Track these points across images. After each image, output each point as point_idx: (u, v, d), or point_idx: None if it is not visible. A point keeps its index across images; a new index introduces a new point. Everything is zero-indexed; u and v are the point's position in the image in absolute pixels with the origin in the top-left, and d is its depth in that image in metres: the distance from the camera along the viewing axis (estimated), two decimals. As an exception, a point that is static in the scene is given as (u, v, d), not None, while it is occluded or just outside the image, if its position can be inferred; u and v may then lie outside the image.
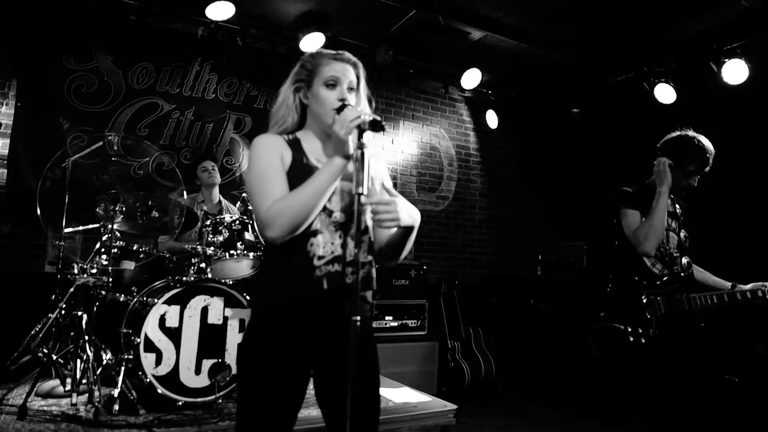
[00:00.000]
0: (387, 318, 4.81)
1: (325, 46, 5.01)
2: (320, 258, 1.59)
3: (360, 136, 1.50)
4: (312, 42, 4.98)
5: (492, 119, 6.41)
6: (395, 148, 6.22)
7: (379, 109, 6.40)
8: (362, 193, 1.44)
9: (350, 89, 1.72)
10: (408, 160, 6.32)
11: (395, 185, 6.21)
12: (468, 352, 5.13)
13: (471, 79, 5.80)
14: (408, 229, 1.65)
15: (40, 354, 3.39)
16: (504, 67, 5.89)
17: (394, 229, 1.68)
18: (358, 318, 1.39)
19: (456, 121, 6.70)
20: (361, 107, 1.74)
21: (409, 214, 1.59)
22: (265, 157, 1.65)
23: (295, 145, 1.71)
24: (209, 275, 3.60)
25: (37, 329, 3.62)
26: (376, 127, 1.51)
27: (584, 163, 6.57)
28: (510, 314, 5.96)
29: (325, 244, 1.60)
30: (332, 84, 1.70)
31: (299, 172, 1.64)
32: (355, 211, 1.45)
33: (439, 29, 5.00)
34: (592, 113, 6.50)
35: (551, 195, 6.88)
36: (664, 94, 5.34)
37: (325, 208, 1.62)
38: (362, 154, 1.47)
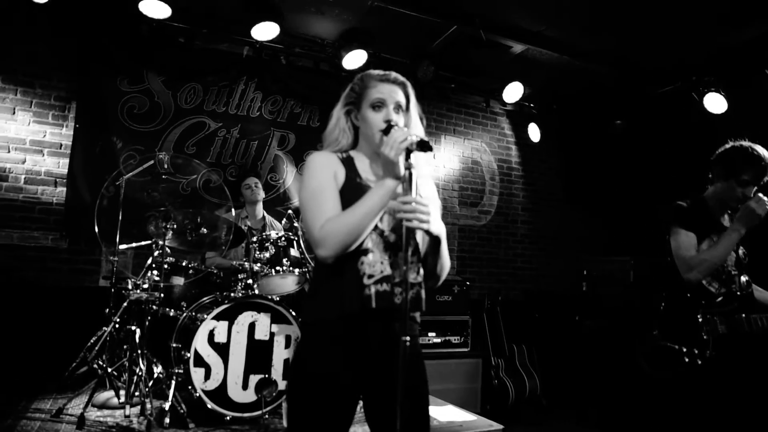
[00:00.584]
0: (430, 334, 4.78)
1: (366, 63, 5.08)
2: (370, 277, 1.59)
3: (407, 157, 1.51)
4: (354, 59, 5.04)
5: (534, 132, 6.35)
6: (437, 163, 6.22)
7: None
8: None
9: (398, 110, 1.73)
10: (450, 174, 6.31)
11: (437, 200, 6.22)
12: (512, 370, 5.04)
13: (513, 92, 5.77)
14: (435, 242, 1.64)
15: (96, 366, 3.51)
16: (546, 79, 5.84)
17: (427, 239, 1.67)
18: (408, 338, 1.40)
19: (498, 135, 6.66)
20: (410, 128, 1.75)
21: (437, 224, 1.59)
22: (318, 175, 1.67)
23: (348, 164, 1.73)
24: (256, 291, 3.66)
25: (93, 342, 3.77)
26: (423, 147, 1.52)
27: (628, 176, 6.43)
28: (554, 331, 5.84)
29: (375, 263, 1.61)
30: (378, 105, 1.71)
31: (352, 190, 1.66)
32: (404, 231, 1.46)
33: (481, 44, 4.99)
34: (636, 125, 6.36)
35: (595, 209, 6.75)
36: (715, 103, 5.19)
37: (376, 228, 1.62)
38: (410, 174, 1.49)
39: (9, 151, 4.54)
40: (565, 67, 5.46)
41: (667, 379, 2.61)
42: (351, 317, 1.59)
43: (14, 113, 4.59)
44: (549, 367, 5.41)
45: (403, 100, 1.75)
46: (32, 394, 3.76)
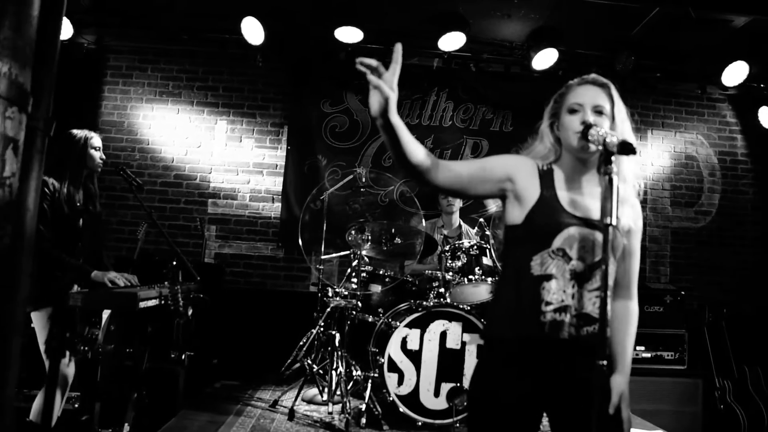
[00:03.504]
0: (639, 348, 4.36)
1: (558, 61, 4.87)
2: (548, 304, 1.54)
3: (608, 161, 1.37)
4: (544, 58, 4.87)
5: (766, 117, 5.44)
6: (644, 161, 5.68)
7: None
8: (611, 224, 1.34)
9: (599, 112, 1.60)
10: (659, 172, 5.71)
11: (645, 200, 5.62)
12: (743, 395, 4.35)
13: (735, 73, 5.01)
14: None
15: (305, 364, 3.89)
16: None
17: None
18: (605, 362, 1.33)
19: (717, 125, 5.84)
20: (618, 130, 1.59)
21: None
22: (493, 159, 1.70)
23: (546, 177, 1.65)
24: (448, 299, 3.71)
25: (303, 342, 4.20)
26: (625, 149, 1.36)
27: None
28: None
29: (557, 291, 1.55)
30: (575, 109, 1.62)
31: (544, 206, 1.59)
32: (605, 241, 1.36)
33: (691, 23, 4.44)
34: None
35: None
36: None
37: (564, 254, 1.55)
38: (610, 180, 1.36)
39: (237, 174, 5.28)
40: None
41: None
42: (527, 340, 1.57)
43: (241, 141, 5.32)
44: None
45: (604, 103, 1.61)
46: (257, 384, 4.32)
